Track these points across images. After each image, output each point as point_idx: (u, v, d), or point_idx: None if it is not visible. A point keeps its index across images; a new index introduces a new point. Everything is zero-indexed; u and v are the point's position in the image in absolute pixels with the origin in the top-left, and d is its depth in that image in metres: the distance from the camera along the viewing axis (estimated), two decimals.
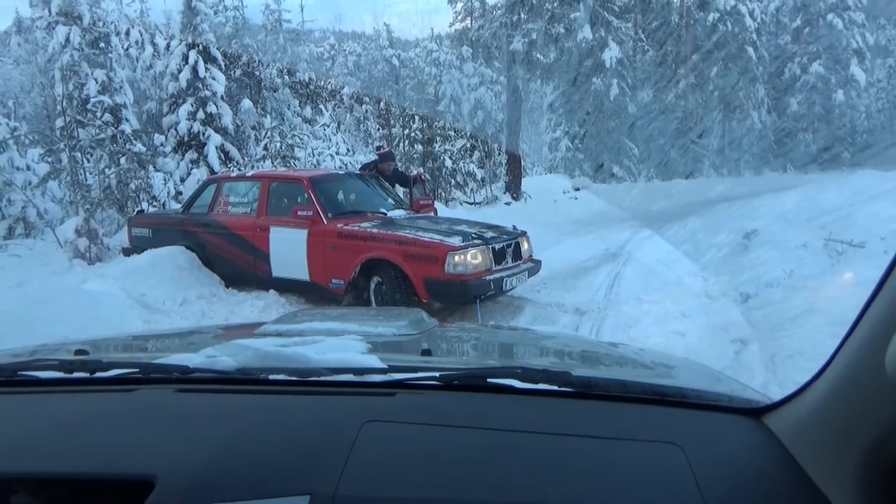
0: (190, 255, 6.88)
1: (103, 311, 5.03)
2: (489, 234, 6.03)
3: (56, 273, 6.91)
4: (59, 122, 9.21)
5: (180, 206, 8.94)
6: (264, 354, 1.41)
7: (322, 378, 1.32)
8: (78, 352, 1.52)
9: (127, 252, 7.61)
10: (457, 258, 5.51)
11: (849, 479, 0.87)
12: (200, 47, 13.63)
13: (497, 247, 5.92)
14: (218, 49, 14.46)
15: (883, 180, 10.67)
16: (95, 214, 8.52)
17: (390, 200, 7.17)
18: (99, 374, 1.37)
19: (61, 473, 1.03)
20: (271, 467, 1.01)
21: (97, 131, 9.29)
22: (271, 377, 1.33)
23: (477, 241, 5.78)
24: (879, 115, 33.04)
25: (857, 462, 0.85)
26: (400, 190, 7.99)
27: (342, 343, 1.56)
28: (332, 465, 1.00)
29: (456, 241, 5.67)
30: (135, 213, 8.33)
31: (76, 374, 1.37)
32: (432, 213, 7.42)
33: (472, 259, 5.61)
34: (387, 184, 7.55)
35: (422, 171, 12.97)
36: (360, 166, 8.79)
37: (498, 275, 5.77)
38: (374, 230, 6.05)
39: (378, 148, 10.19)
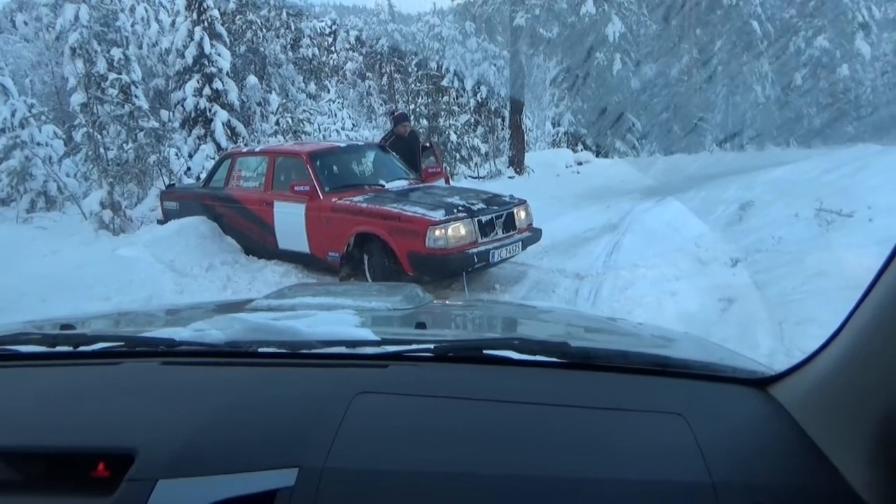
0: (212, 225, 7.22)
1: (137, 276, 5.42)
2: (477, 206, 5.98)
3: (84, 243, 7.25)
4: (79, 99, 9.47)
5: (192, 180, 9.22)
6: (254, 327, 1.37)
7: (313, 351, 1.30)
8: (63, 326, 1.51)
9: (161, 224, 7.84)
10: (437, 232, 5.53)
11: (861, 448, 0.85)
12: (206, 24, 13.79)
13: (484, 219, 5.89)
14: (223, 25, 14.63)
15: (882, 153, 10.88)
16: (117, 188, 8.84)
17: (394, 171, 7.20)
18: (83, 348, 1.35)
19: (39, 447, 1.02)
20: (259, 440, 1.00)
21: (113, 108, 9.57)
22: (261, 350, 1.30)
23: (461, 214, 5.75)
24: (885, 90, 32.93)
25: (871, 431, 0.83)
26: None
27: (335, 316, 1.54)
28: (322, 437, 0.98)
29: (438, 214, 5.67)
30: (166, 187, 8.55)
31: (59, 348, 1.35)
32: (442, 182, 7.46)
33: (454, 232, 5.61)
34: (395, 154, 7.61)
35: (433, 139, 13.08)
36: (380, 139, 8.83)
37: (484, 247, 5.76)
38: (364, 204, 6.12)
39: (392, 112, 10.38)
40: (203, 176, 9.91)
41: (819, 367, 0.98)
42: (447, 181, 7.82)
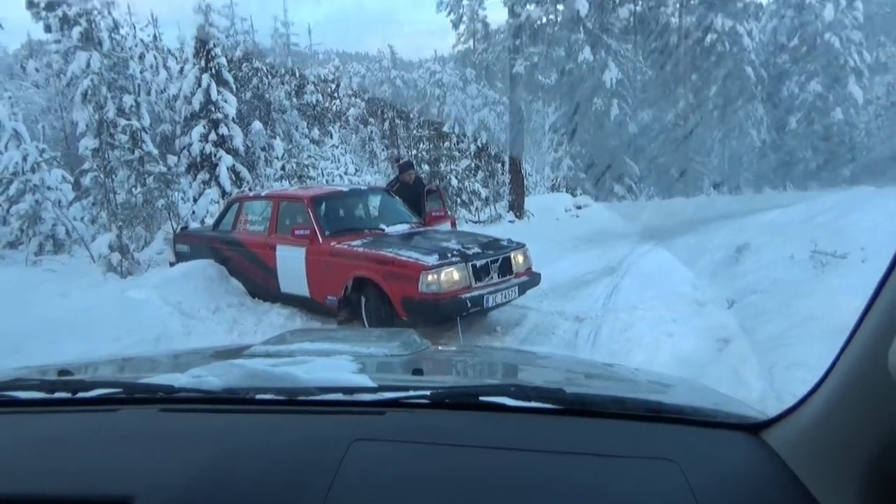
0: (219, 267, 7.32)
1: (146, 317, 5.54)
2: (473, 251, 5.97)
3: (93, 285, 7.39)
4: (91, 144, 9.73)
5: (197, 223, 9.39)
6: (252, 374, 1.38)
7: (310, 397, 1.30)
8: (62, 372, 1.51)
9: (173, 266, 7.95)
10: (430, 277, 5.51)
11: (852, 493, 0.85)
12: (213, 71, 14.14)
13: (479, 263, 5.87)
14: (229, 72, 14.99)
15: (877, 195, 11.08)
16: (125, 231, 9.02)
17: (396, 215, 7.24)
18: (81, 395, 1.35)
19: (37, 494, 1.02)
20: (256, 488, 1.00)
21: (123, 153, 9.83)
22: (258, 397, 1.30)
23: (454, 259, 5.74)
24: (879, 133, 33.46)
25: (861, 475, 0.83)
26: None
27: (332, 363, 1.54)
28: (318, 485, 0.98)
29: (432, 259, 5.65)
30: (179, 229, 8.72)
31: (58, 395, 1.35)
32: (447, 226, 7.48)
33: (447, 277, 5.60)
34: (398, 198, 7.70)
35: (438, 183, 13.25)
36: (386, 184, 8.97)
37: (478, 292, 5.72)
38: (361, 249, 6.13)
39: (398, 160, 10.54)
40: (207, 220, 10.09)
41: (808, 412, 0.99)
42: (453, 225, 7.82)
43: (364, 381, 1.35)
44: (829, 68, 27.13)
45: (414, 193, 7.87)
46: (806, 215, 10.17)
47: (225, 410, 1.29)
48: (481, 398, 1.26)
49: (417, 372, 1.61)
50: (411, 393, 1.30)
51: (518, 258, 6.34)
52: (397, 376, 1.68)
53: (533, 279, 6.45)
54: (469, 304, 5.63)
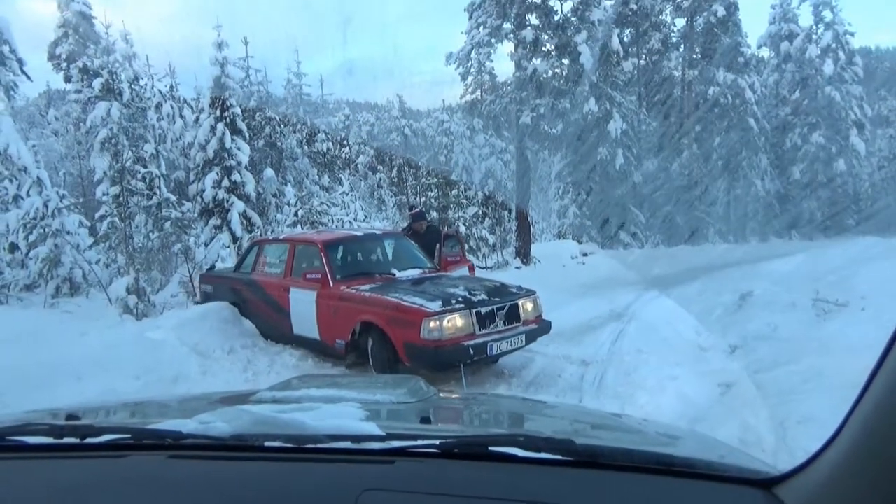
0: (233, 310, 7.51)
1: (164, 357, 5.74)
2: (478, 297, 5.90)
3: (110, 326, 7.58)
4: (112, 190, 10.07)
5: (207, 267, 9.62)
6: (260, 420, 1.37)
7: (319, 445, 1.29)
8: (69, 416, 1.50)
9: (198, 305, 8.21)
10: (432, 324, 5.47)
11: None
12: (227, 120, 14.57)
13: (483, 310, 5.80)
14: (243, 121, 15.43)
15: (882, 245, 11.26)
16: (142, 274, 9.27)
17: (410, 260, 7.26)
18: (90, 440, 1.34)
19: None
20: None
21: (141, 199, 10.17)
22: (267, 444, 1.30)
23: (458, 306, 5.68)
24: (882, 184, 33.73)
25: None
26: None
27: (340, 410, 1.53)
28: None
29: (435, 305, 5.61)
30: (206, 270, 9.00)
31: (66, 440, 1.34)
32: (464, 271, 7.47)
33: (450, 324, 5.54)
34: (414, 243, 7.73)
35: (455, 227, 13.30)
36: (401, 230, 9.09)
37: (482, 339, 5.64)
38: (368, 294, 6.15)
39: (411, 208, 10.73)
40: (218, 264, 10.32)
41: (822, 468, 0.96)
42: (471, 270, 7.82)
43: (372, 429, 1.34)
44: (830, 121, 27.57)
45: (426, 242, 7.92)
46: (809, 264, 10.33)
47: (233, 458, 1.28)
48: (490, 448, 1.25)
49: (425, 420, 1.58)
50: (420, 442, 1.29)
51: (527, 305, 6.26)
52: (405, 424, 1.65)
53: (542, 327, 6.36)
54: (472, 352, 5.57)
